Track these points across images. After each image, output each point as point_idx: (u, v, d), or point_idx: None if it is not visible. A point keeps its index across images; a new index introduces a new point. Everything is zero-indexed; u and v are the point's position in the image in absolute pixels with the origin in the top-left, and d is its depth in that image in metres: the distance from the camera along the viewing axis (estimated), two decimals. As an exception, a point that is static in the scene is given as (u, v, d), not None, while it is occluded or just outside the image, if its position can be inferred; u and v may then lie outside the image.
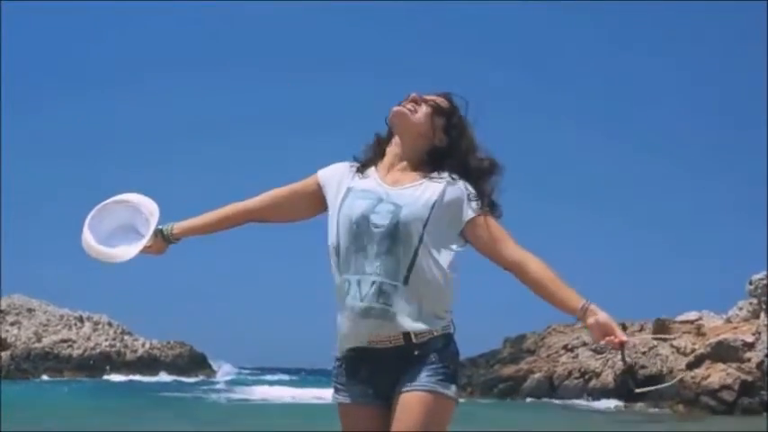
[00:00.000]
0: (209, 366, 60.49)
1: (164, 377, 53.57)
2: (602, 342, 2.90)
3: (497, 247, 3.03)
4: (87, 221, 3.22)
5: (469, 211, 3.04)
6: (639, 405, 27.28)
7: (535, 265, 2.99)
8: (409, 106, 3.16)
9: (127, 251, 3.19)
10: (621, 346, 2.91)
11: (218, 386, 44.29)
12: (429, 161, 3.13)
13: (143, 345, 57.73)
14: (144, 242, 3.19)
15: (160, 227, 3.22)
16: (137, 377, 52.03)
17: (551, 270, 2.99)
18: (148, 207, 3.24)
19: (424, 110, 3.16)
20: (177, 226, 3.25)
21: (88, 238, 3.19)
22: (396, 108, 3.16)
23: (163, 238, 3.23)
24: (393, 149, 3.16)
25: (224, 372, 60.82)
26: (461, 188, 3.05)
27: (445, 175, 3.08)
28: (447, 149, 3.13)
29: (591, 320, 2.91)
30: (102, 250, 3.19)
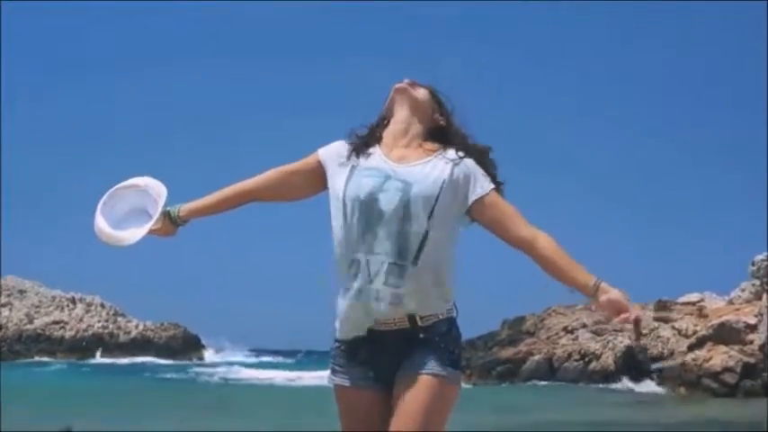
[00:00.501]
0: (204, 348, 60.56)
1: (152, 359, 53.60)
2: (616, 320, 2.89)
3: (507, 225, 3.03)
4: (99, 207, 3.26)
5: (478, 190, 3.04)
6: (644, 387, 27.38)
7: (545, 242, 2.99)
8: (408, 85, 3.20)
9: (134, 233, 3.23)
10: (636, 323, 2.90)
11: (206, 369, 44.28)
12: (432, 138, 3.15)
13: (136, 326, 57.81)
14: (150, 224, 3.22)
15: (167, 209, 3.25)
16: (126, 359, 52.09)
17: (561, 247, 2.98)
18: (156, 189, 3.28)
19: (422, 89, 3.21)
20: (183, 208, 3.27)
21: (99, 222, 3.25)
22: (398, 84, 3.21)
23: (170, 221, 3.25)
24: (393, 128, 3.16)
25: (223, 355, 60.86)
26: (469, 166, 3.06)
27: (452, 152, 3.09)
28: (448, 128, 3.16)
29: (603, 299, 2.89)
30: (111, 234, 3.24)
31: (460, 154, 3.08)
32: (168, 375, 37.40)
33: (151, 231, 3.24)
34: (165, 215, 3.24)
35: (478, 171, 3.06)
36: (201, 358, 57.53)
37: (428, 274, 2.95)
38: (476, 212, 3.04)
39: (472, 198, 3.03)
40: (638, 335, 3.06)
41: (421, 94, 3.19)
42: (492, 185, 3.05)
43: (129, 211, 3.28)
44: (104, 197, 3.29)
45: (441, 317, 2.99)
